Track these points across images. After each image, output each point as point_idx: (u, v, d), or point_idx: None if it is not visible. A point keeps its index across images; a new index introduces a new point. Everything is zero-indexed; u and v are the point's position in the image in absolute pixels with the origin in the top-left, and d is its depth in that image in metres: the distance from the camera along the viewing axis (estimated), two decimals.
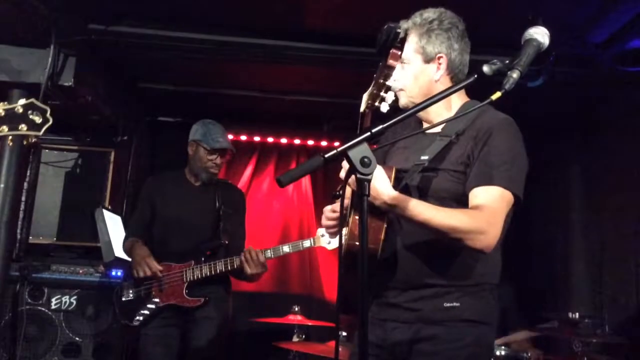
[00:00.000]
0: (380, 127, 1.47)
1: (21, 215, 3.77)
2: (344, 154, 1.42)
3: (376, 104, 1.69)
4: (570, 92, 4.09)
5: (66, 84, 3.52)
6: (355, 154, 1.41)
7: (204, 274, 3.32)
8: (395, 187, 1.77)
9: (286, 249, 3.32)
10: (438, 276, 1.86)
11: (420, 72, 1.97)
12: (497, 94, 1.50)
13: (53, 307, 3.79)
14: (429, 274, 1.87)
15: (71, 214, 4.13)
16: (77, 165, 4.38)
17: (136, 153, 4.72)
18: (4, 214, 3.40)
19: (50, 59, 3.41)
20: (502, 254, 1.95)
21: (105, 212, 3.98)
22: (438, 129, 1.93)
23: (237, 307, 3.76)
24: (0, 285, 3.35)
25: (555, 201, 4.70)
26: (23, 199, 3.77)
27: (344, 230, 1.86)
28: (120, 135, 4.52)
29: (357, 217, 1.78)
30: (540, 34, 1.60)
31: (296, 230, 5.14)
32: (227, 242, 3.43)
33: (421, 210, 1.73)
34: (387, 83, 1.66)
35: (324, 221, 1.98)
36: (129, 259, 3.48)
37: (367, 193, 1.41)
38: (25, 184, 3.79)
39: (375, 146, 1.91)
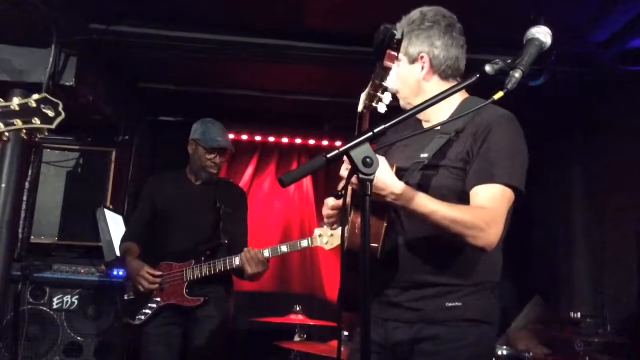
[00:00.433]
0: (382, 127, 1.47)
1: (23, 215, 3.76)
2: (346, 155, 1.42)
3: (374, 104, 1.69)
4: (572, 92, 4.09)
5: (67, 83, 3.53)
6: (358, 154, 1.41)
7: (203, 274, 3.33)
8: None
9: (284, 248, 3.32)
10: (439, 275, 1.86)
11: (406, 73, 2.00)
12: (500, 94, 1.50)
13: (55, 306, 3.79)
14: (431, 273, 1.87)
15: (73, 213, 4.13)
16: (79, 165, 4.38)
17: (137, 153, 4.72)
18: (6, 213, 3.41)
19: (51, 59, 3.42)
20: (503, 253, 1.95)
21: (106, 211, 3.98)
22: (438, 127, 1.94)
23: (238, 306, 3.77)
24: (2, 285, 3.35)
25: (557, 201, 4.70)
26: (25, 198, 3.77)
27: (345, 230, 1.86)
28: (122, 135, 4.52)
29: (358, 217, 1.78)
30: (542, 34, 1.60)
31: (297, 230, 5.15)
32: (227, 242, 3.44)
33: (425, 203, 1.73)
34: (384, 84, 1.66)
35: (325, 211, 1.98)
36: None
37: (369, 193, 1.41)
38: (27, 184, 3.79)
39: (375, 146, 1.92)
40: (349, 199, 1.88)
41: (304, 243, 3.32)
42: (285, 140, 5.34)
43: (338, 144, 5.21)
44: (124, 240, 3.58)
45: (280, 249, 3.31)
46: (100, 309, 3.86)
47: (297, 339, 3.59)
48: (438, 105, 1.80)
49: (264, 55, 3.76)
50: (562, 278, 4.47)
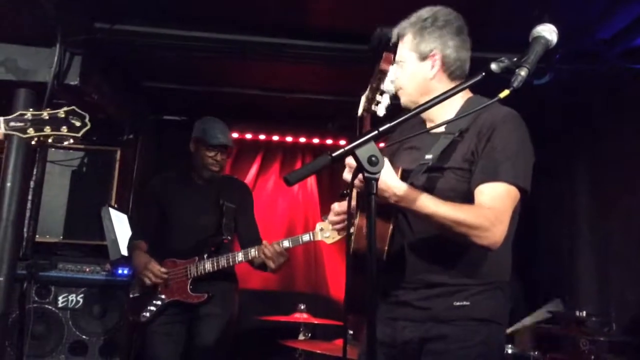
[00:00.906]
0: (387, 125, 1.46)
1: (28, 213, 3.78)
2: (351, 153, 1.41)
3: (373, 107, 1.69)
4: (577, 89, 4.07)
5: (72, 83, 3.53)
6: (363, 153, 1.41)
7: (207, 270, 3.34)
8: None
9: (286, 243, 3.32)
10: (447, 275, 1.86)
11: (415, 70, 1.97)
12: (506, 92, 1.49)
13: (60, 305, 3.80)
14: (438, 273, 1.86)
15: (77, 212, 4.14)
16: (83, 164, 4.38)
17: (142, 152, 4.73)
18: (11, 212, 3.41)
19: (56, 58, 3.42)
20: (511, 252, 1.94)
21: (111, 210, 3.99)
22: (441, 127, 1.92)
23: (243, 304, 3.78)
24: (7, 284, 3.36)
25: (562, 199, 4.68)
26: (29, 197, 3.78)
27: (351, 231, 1.86)
28: (126, 134, 4.53)
29: (364, 220, 1.78)
30: (548, 31, 1.59)
31: (301, 228, 5.15)
32: (229, 239, 3.45)
33: (428, 203, 1.73)
34: (381, 87, 1.67)
35: (331, 217, 1.98)
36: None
37: (374, 192, 1.40)
38: (32, 183, 3.80)
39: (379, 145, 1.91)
40: (354, 203, 1.88)
41: (306, 237, 3.32)
42: (289, 139, 5.34)
43: (342, 142, 5.24)
44: (131, 239, 3.60)
45: (282, 243, 3.32)
46: (105, 308, 3.87)
47: (301, 337, 3.60)
48: (442, 106, 1.79)
49: (268, 53, 3.75)
50: (567, 276, 4.46)
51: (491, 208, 1.77)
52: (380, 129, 1.45)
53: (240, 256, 3.32)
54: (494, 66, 1.54)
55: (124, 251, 3.86)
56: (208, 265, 3.34)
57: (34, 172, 3.82)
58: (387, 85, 1.69)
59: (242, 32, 3.63)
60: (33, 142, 2.00)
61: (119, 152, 4.35)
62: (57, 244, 4.05)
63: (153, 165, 4.90)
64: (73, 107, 2.05)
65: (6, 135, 1.95)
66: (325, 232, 3.26)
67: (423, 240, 1.87)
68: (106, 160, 4.37)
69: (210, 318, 3.38)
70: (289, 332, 3.72)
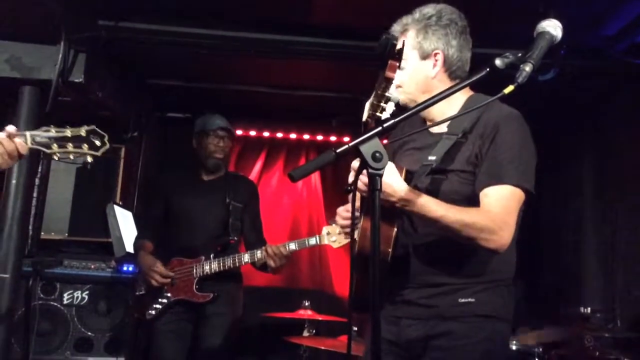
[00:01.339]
0: (391, 122, 1.47)
1: (33, 211, 3.78)
2: (355, 149, 1.42)
3: (377, 114, 1.70)
4: (582, 85, 4.06)
5: (76, 80, 3.52)
6: (367, 149, 1.41)
7: (213, 270, 3.35)
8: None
9: (292, 246, 3.34)
10: (451, 276, 1.86)
11: (416, 68, 1.96)
12: (510, 88, 1.49)
13: (65, 302, 3.80)
14: (443, 275, 1.87)
15: (82, 209, 4.14)
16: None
17: (146, 149, 4.73)
18: (16, 209, 3.42)
19: (60, 56, 3.42)
20: (516, 250, 1.94)
21: (116, 207, 4.00)
22: (444, 127, 1.92)
23: (247, 302, 3.78)
24: (13, 281, 3.37)
25: (567, 196, 4.67)
26: (35, 195, 3.79)
27: (356, 231, 1.86)
28: (130, 131, 4.53)
29: (368, 222, 1.78)
30: (552, 27, 1.58)
31: (305, 225, 5.15)
32: (235, 239, 3.45)
33: (435, 207, 1.73)
34: (387, 94, 1.67)
35: (339, 221, 1.98)
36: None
37: (378, 188, 1.41)
38: (37, 180, 3.81)
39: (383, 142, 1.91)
40: (358, 204, 1.87)
41: (312, 241, 3.34)
42: (293, 136, 5.35)
43: (346, 139, 5.24)
44: (137, 237, 3.61)
45: (288, 246, 3.33)
46: (110, 305, 3.87)
47: (305, 333, 3.60)
48: (443, 104, 1.80)
49: (272, 50, 3.75)
50: (572, 273, 4.45)
51: (497, 211, 1.77)
52: (384, 125, 1.46)
53: (246, 257, 3.34)
54: (498, 62, 1.54)
55: (129, 248, 3.87)
56: (214, 265, 3.36)
57: (39, 170, 3.83)
58: (393, 92, 1.69)
59: (246, 29, 3.62)
60: (56, 158, 2.11)
61: (123, 150, 4.35)
62: (62, 241, 4.06)
63: (157, 163, 4.91)
64: (93, 126, 2.14)
65: (31, 150, 2.04)
66: (332, 237, 3.28)
67: (428, 242, 1.87)
68: (111, 157, 4.38)
69: (216, 317, 3.39)
70: (294, 328, 3.72)
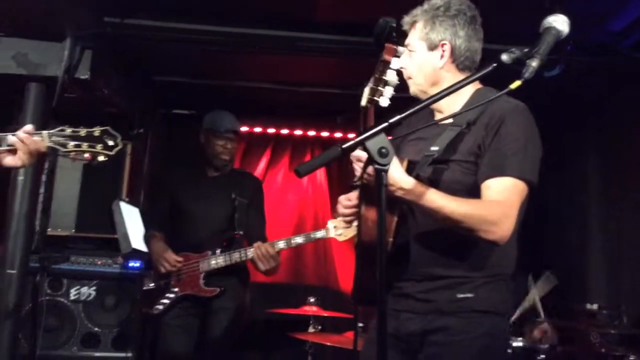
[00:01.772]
0: (398, 117, 1.47)
1: (40, 207, 3.79)
2: (361, 145, 1.42)
3: (376, 98, 1.69)
4: (588, 81, 4.04)
5: (82, 77, 3.52)
6: (373, 145, 1.42)
7: (219, 264, 3.38)
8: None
9: (299, 240, 3.36)
10: (451, 268, 1.87)
11: (424, 59, 1.96)
12: (517, 83, 1.49)
13: (72, 298, 3.81)
14: (442, 266, 1.87)
15: (89, 205, 4.14)
16: None
17: (152, 146, 4.74)
18: (23, 205, 3.44)
19: (66, 52, 3.42)
20: (517, 244, 1.94)
21: (122, 204, 4.00)
22: (449, 119, 1.92)
23: (253, 297, 3.79)
24: (20, 277, 3.39)
25: (572, 191, 4.66)
26: (41, 191, 3.80)
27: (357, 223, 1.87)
28: (136, 128, 4.54)
29: (368, 209, 1.78)
30: (559, 22, 1.58)
31: (311, 221, 5.16)
32: (241, 234, 3.47)
33: (434, 198, 1.73)
34: (384, 77, 1.66)
35: (340, 210, 1.98)
36: (147, 250, 3.54)
37: (385, 183, 1.41)
38: (44, 176, 3.82)
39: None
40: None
41: (318, 234, 3.36)
42: (298, 132, 5.34)
43: (351, 135, 5.22)
44: (147, 229, 3.64)
45: (295, 240, 3.35)
46: (117, 300, 3.88)
47: (311, 329, 3.61)
48: (450, 97, 1.79)
49: (277, 47, 3.75)
50: (578, 269, 4.44)
51: (498, 203, 1.77)
52: (391, 121, 1.46)
53: (251, 252, 3.35)
54: (504, 57, 1.54)
55: (135, 244, 3.88)
56: (220, 260, 3.38)
57: (46, 166, 3.84)
58: (390, 75, 1.68)
59: (251, 26, 3.62)
60: (71, 157, 2.16)
61: (129, 146, 4.35)
62: (69, 237, 4.06)
63: (163, 159, 4.92)
64: (107, 127, 2.18)
65: (48, 148, 2.09)
66: (338, 230, 3.29)
67: (428, 232, 1.87)
68: (117, 153, 4.37)
69: (223, 312, 3.42)
70: (299, 324, 3.73)
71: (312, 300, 3.69)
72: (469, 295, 1.85)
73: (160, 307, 3.40)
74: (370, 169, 1.62)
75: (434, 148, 1.89)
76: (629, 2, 3.16)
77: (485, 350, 1.84)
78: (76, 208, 4.10)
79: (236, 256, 3.38)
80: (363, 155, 1.66)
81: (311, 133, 5.34)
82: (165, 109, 5.12)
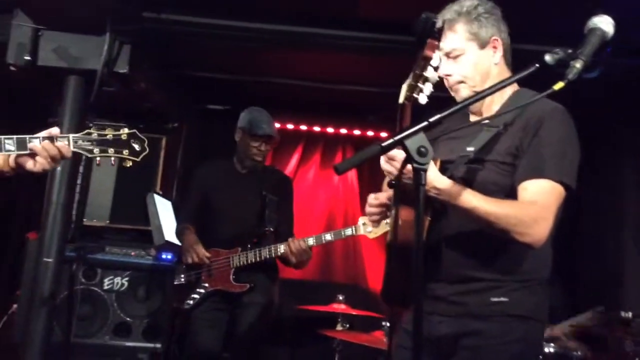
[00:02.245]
0: (438, 116, 1.46)
1: (76, 197, 3.86)
2: (400, 143, 1.41)
3: (414, 95, 1.68)
4: (627, 85, 3.95)
5: (121, 71, 3.58)
6: (412, 144, 1.41)
7: (249, 261, 3.40)
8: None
9: (328, 237, 3.37)
10: (485, 270, 1.83)
11: (478, 59, 1.93)
12: (560, 84, 1.47)
13: (105, 287, 3.86)
14: (476, 268, 1.84)
15: (124, 197, 4.19)
16: None
17: (186, 140, 4.80)
18: (61, 196, 3.51)
19: (106, 46, 3.48)
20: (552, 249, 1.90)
21: (156, 196, 4.06)
22: (488, 119, 1.90)
23: (281, 294, 3.81)
24: (56, 265, 3.46)
25: (608, 195, 4.57)
26: (78, 182, 3.86)
27: (389, 221, 1.85)
28: (171, 122, 4.60)
29: (402, 209, 1.77)
30: (604, 23, 1.56)
31: (341, 219, 5.16)
32: (271, 230, 3.48)
33: (469, 198, 1.71)
34: (424, 74, 1.65)
35: (368, 208, 1.97)
36: (179, 243, 3.59)
37: (423, 182, 1.40)
38: (81, 168, 3.88)
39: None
40: (391, 193, 1.86)
41: (348, 231, 3.35)
42: (330, 130, 5.35)
43: (383, 134, 5.21)
44: (180, 222, 3.69)
45: (325, 237, 3.36)
46: (149, 291, 3.91)
47: (339, 327, 3.61)
48: (488, 97, 1.77)
49: (313, 44, 3.76)
50: (612, 275, 4.35)
51: (535, 205, 1.74)
52: (431, 120, 1.44)
53: (282, 248, 3.37)
54: (548, 58, 1.52)
55: (168, 237, 3.93)
56: (250, 256, 3.41)
57: (83, 158, 3.90)
58: (431, 72, 1.67)
59: (287, 23, 3.63)
60: (97, 161, 2.14)
61: (164, 140, 4.41)
62: (104, 228, 4.13)
63: (197, 154, 4.97)
64: (134, 130, 2.14)
65: (74, 153, 2.04)
66: (368, 227, 3.28)
67: (461, 233, 1.85)
68: (152, 147, 4.40)
69: (252, 307, 3.44)
70: (327, 322, 3.73)
71: (341, 298, 3.69)
72: (503, 299, 1.82)
73: (191, 302, 3.45)
74: (405, 168, 1.61)
75: (470, 148, 1.86)
76: None
77: (518, 356, 1.82)
78: (111, 200, 4.15)
79: (266, 252, 3.40)
80: (399, 154, 1.65)
81: (343, 131, 5.34)
82: (200, 104, 5.17)
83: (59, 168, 3.50)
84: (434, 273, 1.87)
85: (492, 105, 1.93)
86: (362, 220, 3.33)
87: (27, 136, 1.97)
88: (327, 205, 5.24)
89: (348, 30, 3.61)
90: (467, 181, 1.82)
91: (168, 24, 3.60)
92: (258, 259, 3.41)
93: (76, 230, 3.86)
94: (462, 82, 1.94)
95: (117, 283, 3.88)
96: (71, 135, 2.03)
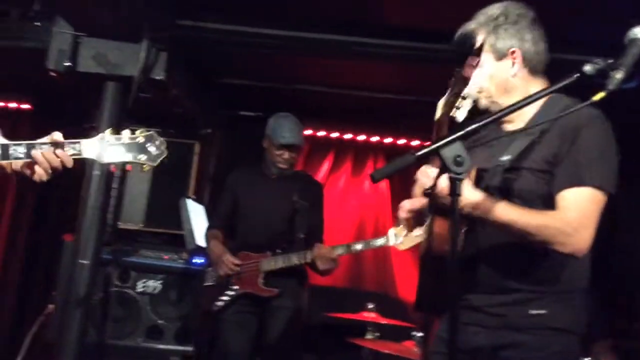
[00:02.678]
0: (475, 125, 1.46)
1: (112, 201, 3.92)
2: (436, 152, 1.41)
3: (451, 112, 1.67)
4: None
5: (158, 77, 3.64)
6: (449, 153, 1.41)
7: (278, 266, 3.42)
8: (475, 187, 1.74)
9: (358, 246, 3.36)
10: (522, 281, 1.81)
11: (494, 70, 1.91)
12: (601, 94, 1.45)
13: (139, 290, 3.91)
14: (513, 278, 1.81)
15: (158, 201, 4.26)
16: None
17: (218, 146, 4.86)
18: (97, 199, 3.58)
19: (143, 53, 3.54)
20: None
21: (189, 201, 4.11)
22: (519, 125, 1.87)
23: (310, 301, 3.81)
24: (92, 267, 3.53)
25: None
26: (114, 186, 3.93)
27: (422, 231, 1.85)
28: (204, 128, 4.66)
29: (436, 219, 1.76)
30: None
31: (371, 228, 5.14)
32: (302, 236, 3.50)
33: (505, 211, 1.69)
34: (462, 92, 1.64)
35: (401, 214, 1.96)
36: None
37: (459, 192, 1.40)
38: (117, 172, 3.95)
39: None
40: (425, 202, 1.85)
41: (379, 242, 3.34)
42: (361, 137, 5.34)
43: (414, 143, 5.19)
44: (209, 228, 3.73)
45: (354, 246, 3.36)
46: (180, 295, 3.96)
47: (369, 336, 3.58)
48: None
49: (343, 51, 3.77)
50: None
51: (575, 213, 1.71)
52: (468, 129, 1.44)
53: (310, 255, 3.38)
54: (588, 68, 1.50)
55: (200, 241, 3.97)
56: (280, 261, 3.42)
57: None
58: (469, 90, 1.66)
59: (318, 30, 3.65)
60: (113, 167, 2.04)
61: (197, 146, 4.47)
62: (138, 232, 4.20)
63: (229, 159, 5.03)
64: (152, 132, 2.01)
65: (87, 160, 1.95)
66: (399, 238, 3.26)
67: (497, 244, 1.82)
68: (185, 153, 4.50)
69: (281, 312, 3.46)
70: (356, 330, 3.71)
71: (370, 306, 3.66)
72: (542, 311, 1.79)
73: (220, 303, 3.48)
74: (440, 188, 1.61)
75: (505, 157, 1.84)
76: None
77: None
78: (146, 203, 4.22)
79: (295, 258, 3.41)
80: (431, 172, 1.66)
81: (374, 138, 5.33)
82: (232, 110, 5.22)
83: (96, 172, 3.57)
84: (471, 284, 1.85)
85: (525, 112, 1.90)
86: (392, 231, 3.32)
87: (36, 141, 1.87)
88: (357, 213, 5.23)
89: (379, 38, 3.61)
90: (503, 190, 1.80)
91: (202, 32, 3.66)
92: (287, 264, 3.42)
93: (111, 233, 3.92)
94: (480, 92, 1.92)
95: (150, 286, 3.92)
96: (84, 140, 1.91)
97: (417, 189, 1.78)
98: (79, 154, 1.91)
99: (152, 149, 1.98)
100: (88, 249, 3.52)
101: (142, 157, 1.97)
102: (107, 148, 1.92)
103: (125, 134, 1.96)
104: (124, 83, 3.64)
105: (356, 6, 3.39)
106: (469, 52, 1.57)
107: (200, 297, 3.69)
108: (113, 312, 3.82)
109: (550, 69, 1.95)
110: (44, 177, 1.88)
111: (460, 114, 1.68)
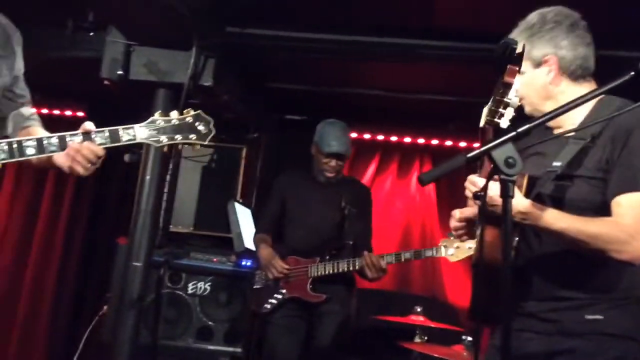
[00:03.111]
0: (527, 127, 1.43)
1: (163, 205, 4.02)
2: (487, 154, 1.40)
3: (495, 119, 1.66)
4: None
5: (206, 84, 3.72)
6: (500, 154, 1.39)
7: (327, 272, 3.43)
8: (527, 195, 1.71)
9: (407, 255, 3.34)
10: (577, 290, 1.76)
11: (531, 78, 1.89)
12: None
13: (189, 291, 3.99)
14: (568, 287, 1.77)
15: (207, 205, 4.34)
16: (213, 160, 4.62)
17: (265, 150, 4.91)
18: (149, 203, 3.68)
19: (192, 61, 3.62)
20: None
21: (236, 204, 4.17)
22: (573, 132, 1.83)
23: (358, 303, 3.81)
24: (144, 269, 3.62)
25: None
26: (165, 190, 4.02)
27: (473, 244, 1.83)
28: (251, 132, 4.72)
29: (487, 227, 1.74)
30: None
31: (418, 232, 5.08)
32: (351, 243, 3.50)
33: (556, 220, 1.65)
34: (505, 99, 1.62)
35: (453, 223, 1.94)
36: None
37: (511, 194, 1.38)
38: (168, 177, 4.03)
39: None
40: (476, 210, 1.83)
41: (428, 252, 3.33)
42: (407, 139, 5.30)
43: (462, 144, 5.12)
44: (257, 231, 3.77)
45: (403, 256, 3.34)
46: (230, 297, 4.02)
47: (417, 339, 3.56)
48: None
49: (390, 54, 3.76)
50: None
51: (630, 220, 1.66)
52: (519, 130, 1.42)
53: (359, 263, 3.39)
54: None
55: (248, 244, 4.02)
56: (328, 268, 3.43)
57: (170, 167, 4.06)
58: (512, 97, 1.65)
59: (364, 34, 3.66)
60: (165, 149, 2.10)
61: (244, 150, 4.53)
62: (188, 234, 4.28)
63: (275, 163, 5.08)
64: (199, 111, 2.04)
65: (141, 144, 2.00)
66: (449, 250, 3.24)
67: (551, 252, 1.78)
68: (233, 157, 4.57)
69: (329, 316, 3.47)
70: (404, 333, 3.69)
71: (419, 309, 3.64)
72: (599, 317, 1.74)
73: (268, 306, 3.51)
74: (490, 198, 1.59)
75: (557, 163, 1.79)
76: None
77: None
78: (195, 207, 4.30)
79: (344, 265, 3.42)
80: (479, 181, 1.65)
81: (420, 141, 5.28)
82: (279, 115, 5.27)
83: (147, 176, 3.66)
84: (524, 292, 1.82)
85: (574, 114, 1.85)
86: (443, 242, 3.30)
87: (67, 133, 1.88)
88: (403, 217, 5.18)
89: (425, 39, 3.59)
90: (556, 198, 1.76)
91: (250, 38, 3.71)
92: (336, 270, 3.43)
93: (163, 236, 4.01)
94: (522, 98, 1.89)
95: (200, 288, 3.99)
96: (137, 126, 1.95)
97: (468, 196, 1.76)
98: (134, 139, 1.95)
99: (201, 127, 2.01)
100: (141, 252, 3.63)
101: (193, 137, 2.00)
102: (159, 130, 1.97)
103: (174, 114, 2.01)
104: (174, 90, 3.73)
105: (405, 9, 3.37)
106: (510, 58, 1.55)
107: (248, 299, 3.73)
108: (165, 313, 3.89)
109: (601, 67, 1.91)
110: (81, 171, 1.89)
111: (503, 122, 1.67)
